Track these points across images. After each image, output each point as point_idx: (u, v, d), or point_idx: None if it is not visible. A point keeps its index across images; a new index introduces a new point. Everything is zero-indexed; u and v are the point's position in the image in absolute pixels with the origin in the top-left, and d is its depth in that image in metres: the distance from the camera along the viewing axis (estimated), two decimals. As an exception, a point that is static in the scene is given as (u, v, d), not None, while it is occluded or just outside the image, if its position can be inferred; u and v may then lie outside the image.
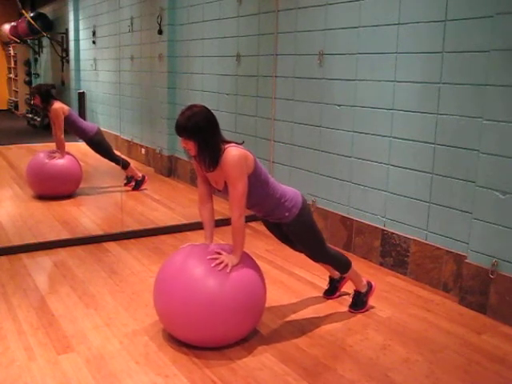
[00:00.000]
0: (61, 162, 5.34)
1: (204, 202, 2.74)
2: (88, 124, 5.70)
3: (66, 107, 5.42)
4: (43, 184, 5.35)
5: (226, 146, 2.53)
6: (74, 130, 5.51)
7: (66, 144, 5.47)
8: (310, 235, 2.87)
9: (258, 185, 2.58)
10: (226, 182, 2.55)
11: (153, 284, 2.72)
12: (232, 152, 2.49)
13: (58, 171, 5.34)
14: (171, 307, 2.55)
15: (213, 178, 2.63)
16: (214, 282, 2.47)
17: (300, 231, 2.82)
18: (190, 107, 2.53)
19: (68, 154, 5.42)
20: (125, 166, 5.69)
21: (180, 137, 2.50)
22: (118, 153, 5.84)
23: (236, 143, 2.57)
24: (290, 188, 2.80)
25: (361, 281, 3.10)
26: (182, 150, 2.60)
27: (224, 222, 3.86)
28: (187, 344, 2.61)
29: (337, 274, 3.23)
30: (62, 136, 5.34)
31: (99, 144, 5.66)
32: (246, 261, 2.65)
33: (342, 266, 3.05)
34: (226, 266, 2.50)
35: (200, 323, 2.48)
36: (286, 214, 2.71)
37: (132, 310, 3.04)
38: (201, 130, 2.46)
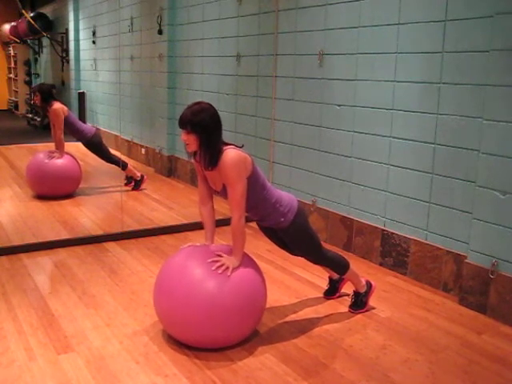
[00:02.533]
0: (60, 161, 5.34)
1: (204, 202, 2.74)
2: (86, 126, 5.71)
3: (65, 108, 5.43)
4: (43, 184, 5.35)
5: (226, 147, 2.52)
6: (72, 131, 5.51)
7: (67, 144, 5.47)
8: (306, 240, 2.86)
9: (255, 188, 2.58)
10: (223, 184, 2.55)
11: (153, 284, 2.72)
12: (231, 154, 2.48)
13: (58, 171, 5.35)
14: (172, 308, 2.54)
15: (211, 178, 2.63)
16: (215, 283, 2.47)
17: (295, 236, 2.82)
18: (199, 103, 2.53)
19: (67, 153, 5.42)
20: (123, 166, 5.70)
21: (183, 129, 2.50)
22: (117, 153, 5.84)
23: (236, 146, 2.57)
24: (285, 193, 2.80)
25: (360, 281, 3.10)
26: (183, 150, 2.60)
27: (224, 222, 3.87)
28: (187, 345, 2.61)
29: (336, 275, 3.22)
30: (62, 136, 5.35)
31: (97, 146, 5.66)
32: (246, 261, 2.64)
33: (340, 268, 3.05)
34: (227, 268, 2.50)
35: (200, 324, 2.48)
36: (282, 220, 2.70)
37: (132, 310, 3.04)
38: (205, 127, 2.46)
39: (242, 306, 2.51)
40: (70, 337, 2.71)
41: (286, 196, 2.76)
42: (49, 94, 5.42)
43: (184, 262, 2.58)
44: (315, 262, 3.04)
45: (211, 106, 2.55)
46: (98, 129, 5.89)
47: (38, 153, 5.45)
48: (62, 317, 2.93)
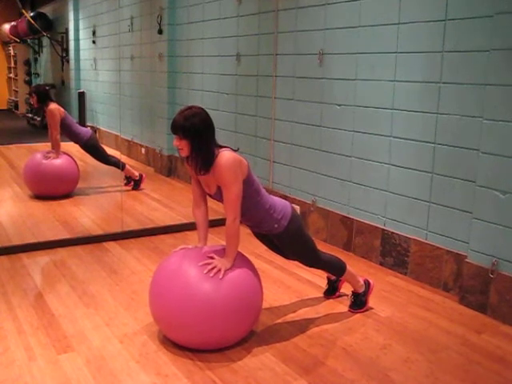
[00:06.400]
0: (57, 161, 5.34)
1: (199, 204, 2.74)
2: (82, 129, 5.71)
3: (61, 109, 5.43)
4: (40, 184, 5.35)
5: (221, 150, 2.52)
6: (68, 133, 5.51)
7: (67, 144, 5.47)
8: (301, 245, 2.85)
9: (249, 193, 2.57)
10: (218, 187, 2.54)
11: (153, 284, 2.72)
12: (226, 155, 2.48)
13: (55, 171, 5.34)
14: (167, 311, 2.53)
15: (205, 181, 2.62)
16: (209, 284, 2.45)
17: (289, 242, 2.81)
18: (190, 107, 2.53)
19: (64, 153, 5.43)
20: (121, 166, 5.70)
21: (175, 135, 2.49)
22: (117, 153, 5.85)
23: (231, 149, 2.56)
24: (279, 199, 2.80)
25: (357, 281, 3.10)
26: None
27: (223, 222, 3.86)
28: (185, 346, 2.61)
29: (333, 276, 3.22)
30: (58, 136, 5.35)
31: (93, 148, 5.66)
32: (241, 261, 2.63)
33: (337, 270, 3.05)
34: (219, 271, 2.49)
35: (196, 326, 2.47)
36: (276, 226, 2.70)
37: (132, 310, 3.04)
38: (197, 132, 2.45)
39: (237, 306, 2.50)
40: (70, 337, 2.71)
41: (280, 202, 2.76)
42: (45, 94, 5.43)
43: (177, 265, 2.57)
44: (310, 266, 3.04)
45: (203, 110, 2.54)
46: (94, 131, 5.89)
47: (35, 153, 5.46)
48: (62, 317, 2.93)
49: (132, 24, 6.70)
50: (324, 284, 3.33)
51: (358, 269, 3.53)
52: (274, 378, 2.40)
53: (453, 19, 3.22)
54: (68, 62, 6.39)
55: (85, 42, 6.51)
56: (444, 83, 3.30)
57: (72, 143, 5.63)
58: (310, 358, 2.58)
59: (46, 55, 6.54)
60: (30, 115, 6.58)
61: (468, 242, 3.22)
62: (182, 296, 2.46)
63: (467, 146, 3.21)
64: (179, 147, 2.50)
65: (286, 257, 3.01)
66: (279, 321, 2.96)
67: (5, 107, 6.54)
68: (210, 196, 2.67)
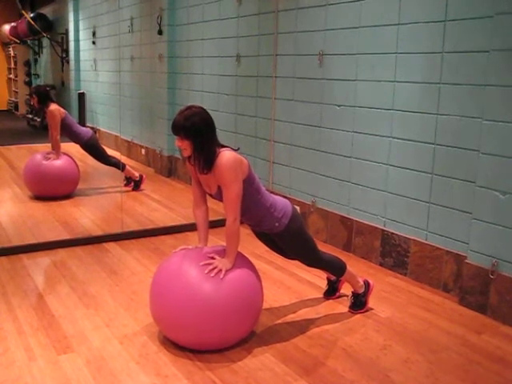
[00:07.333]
0: (57, 162, 5.34)
1: (199, 205, 2.74)
2: (83, 129, 5.71)
3: (62, 110, 5.42)
4: (40, 185, 5.35)
5: (221, 149, 2.52)
6: (68, 133, 5.51)
7: (68, 145, 5.47)
8: (301, 244, 2.85)
9: (250, 192, 2.57)
10: (218, 187, 2.54)
11: (153, 284, 2.72)
12: (227, 155, 2.48)
13: (55, 172, 5.34)
14: (167, 311, 2.53)
15: (206, 181, 2.62)
16: (209, 284, 2.45)
17: (290, 241, 2.81)
18: (189, 107, 2.53)
19: (65, 154, 5.42)
20: (121, 167, 5.70)
21: (176, 135, 2.50)
22: (117, 153, 5.85)
23: (232, 149, 2.57)
24: (280, 198, 2.80)
25: (357, 282, 3.10)
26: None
27: (223, 223, 3.86)
28: (185, 347, 2.61)
29: (333, 276, 3.22)
30: (59, 137, 5.35)
31: (93, 148, 5.66)
32: (242, 262, 2.63)
33: (337, 270, 3.05)
34: (220, 271, 2.49)
35: (196, 326, 2.47)
36: (276, 225, 2.70)
37: (132, 311, 3.04)
38: (198, 131, 2.46)
39: (238, 306, 2.50)
40: (70, 337, 2.71)
41: (281, 201, 2.76)
42: (45, 95, 5.43)
43: (178, 265, 2.57)
44: (311, 266, 3.04)
45: (202, 109, 2.54)
46: (94, 131, 5.90)
47: (35, 154, 5.46)
48: (62, 317, 2.93)
49: (132, 25, 6.70)
50: (324, 285, 3.33)
51: (358, 269, 3.53)
52: (274, 378, 2.40)
53: (453, 20, 3.22)
54: (68, 62, 6.38)
55: (85, 43, 6.50)
56: (444, 84, 3.31)
57: (72, 144, 5.63)
58: (310, 359, 2.58)
59: (45, 56, 6.53)
60: (30, 116, 6.58)
61: (468, 243, 3.22)
62: (183, 296, 2.46)
63: (467, 147, 3.21)
64: (182, 147, 2.50)
65: (287, 256, 3.01)
66: (279, 321, 2.96)
67: (5, 108, 6.54)
68: (211, 196, 2.68)
